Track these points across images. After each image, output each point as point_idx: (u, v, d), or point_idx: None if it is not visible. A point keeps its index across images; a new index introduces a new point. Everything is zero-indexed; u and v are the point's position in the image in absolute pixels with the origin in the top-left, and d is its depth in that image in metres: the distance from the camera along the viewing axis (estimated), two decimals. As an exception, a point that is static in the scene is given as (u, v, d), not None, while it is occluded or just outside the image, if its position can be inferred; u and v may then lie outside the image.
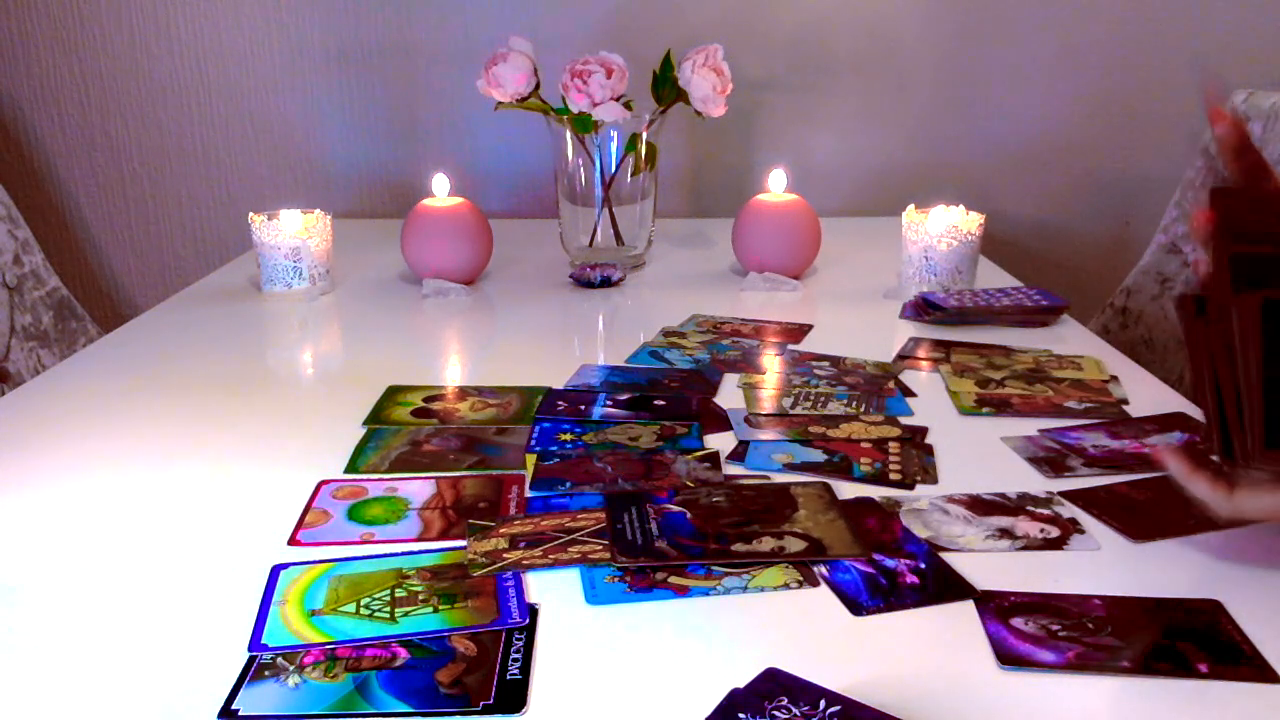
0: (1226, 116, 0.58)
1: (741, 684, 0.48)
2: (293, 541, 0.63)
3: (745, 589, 0.57)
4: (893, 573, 0.59)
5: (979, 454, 0.75)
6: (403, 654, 0.52)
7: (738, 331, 1.04)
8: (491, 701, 0.48)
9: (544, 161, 1.48)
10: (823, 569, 0.59)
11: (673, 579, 0.58)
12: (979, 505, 0.67)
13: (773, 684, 0.48)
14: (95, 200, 1.58)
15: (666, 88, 1.20)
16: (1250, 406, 0.53)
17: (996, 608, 0.55)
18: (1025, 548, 0.62)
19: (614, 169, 1.23)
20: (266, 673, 0.50)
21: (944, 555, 0.61)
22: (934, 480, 0.71)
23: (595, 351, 1.01)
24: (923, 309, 1.06)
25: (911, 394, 0.87)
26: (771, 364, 0.94)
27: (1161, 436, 0.77)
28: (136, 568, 0.61)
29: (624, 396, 0.86)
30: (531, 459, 0.74)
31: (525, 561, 0.60)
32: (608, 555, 0.60)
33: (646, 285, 1.22)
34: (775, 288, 1.18)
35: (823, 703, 0.46)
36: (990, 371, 0.91)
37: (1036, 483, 0.70)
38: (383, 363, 0.96)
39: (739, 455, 0.74)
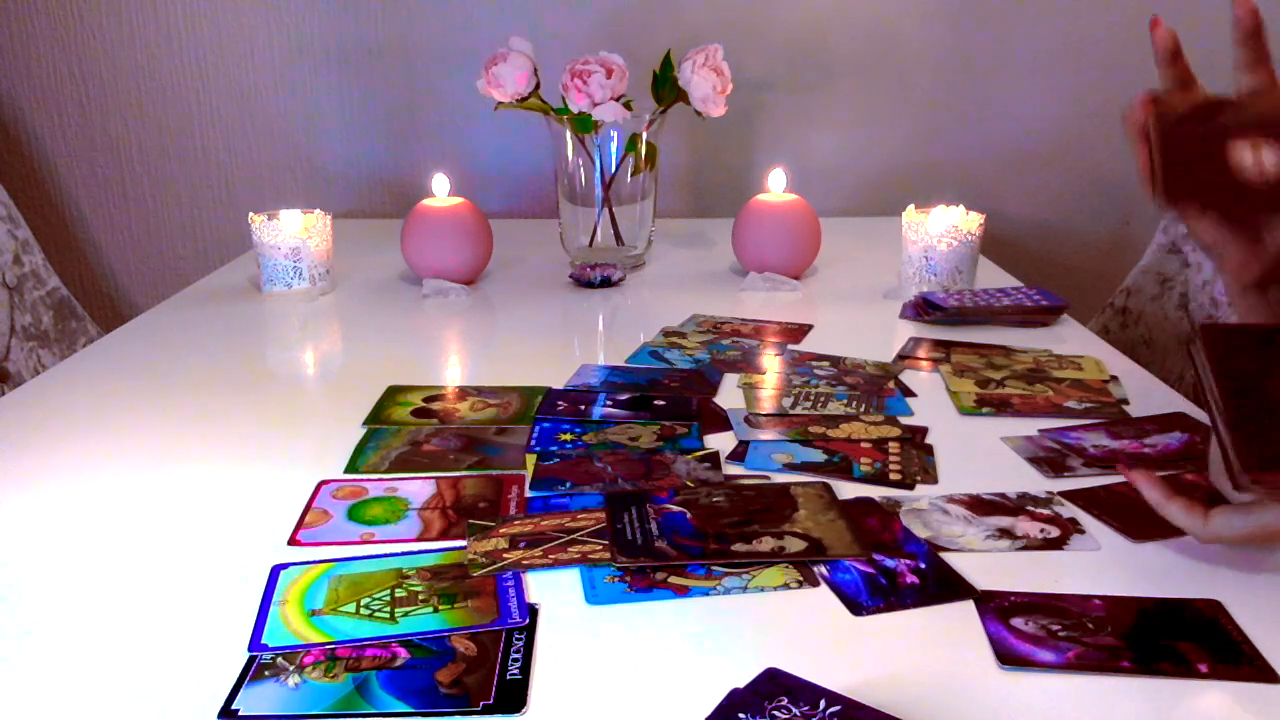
0: (1165, 30, 0.63)
1: (741, 684, 0.48)
2: (293, 541, 0.63)
3: (745, 589, 0.57)
4: (893, 573, 0.59)
5: (979, 454, 0.75)
6: (403, 654, 0.52)
7: (738, 331, 1.04)
8: (491, 701, 0.48)
9: (544, 161, 1.48)
10: (823, 569, 0.59)
11: (673, 579, 0.58)
12: (979, 505, 0.67)
13: (773, 684, 0.48)
14: (95, 200, 1.58)
15: (666, 88, 1.20)
16: (1223, 432, 0.54)
17: (996, 608, 0.55)
18: (1025, 548, 0.62)
19: (614, 169, 1.23)
20: (266, 673, 0.50)
21: (944, 555, 0.61)
22: (934, 480, 0.71)
23: (595, 351, 1.01)
24: (923, 309, 1.06)
25: (911, 394, 0.87)
26: (771, 364, 0.94)
27: (1161, 436, 0.77)
28: (136, 568, 0.61)
29: (624, 396, 0.86)
30: (531, 459, 0.74)
31: (525, 561, 0.60)
32: (608, 555, 0.60)
33: (646, 285, 1.22)
34: (775, 288, 1.18)
35: (823, 703, 0.46)
36: (990, 371, 0.91)
37: (1036, 483, 0.70)
38: (383, 363, 0.96)
39: (739, 455, 0.74)
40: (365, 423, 0.81)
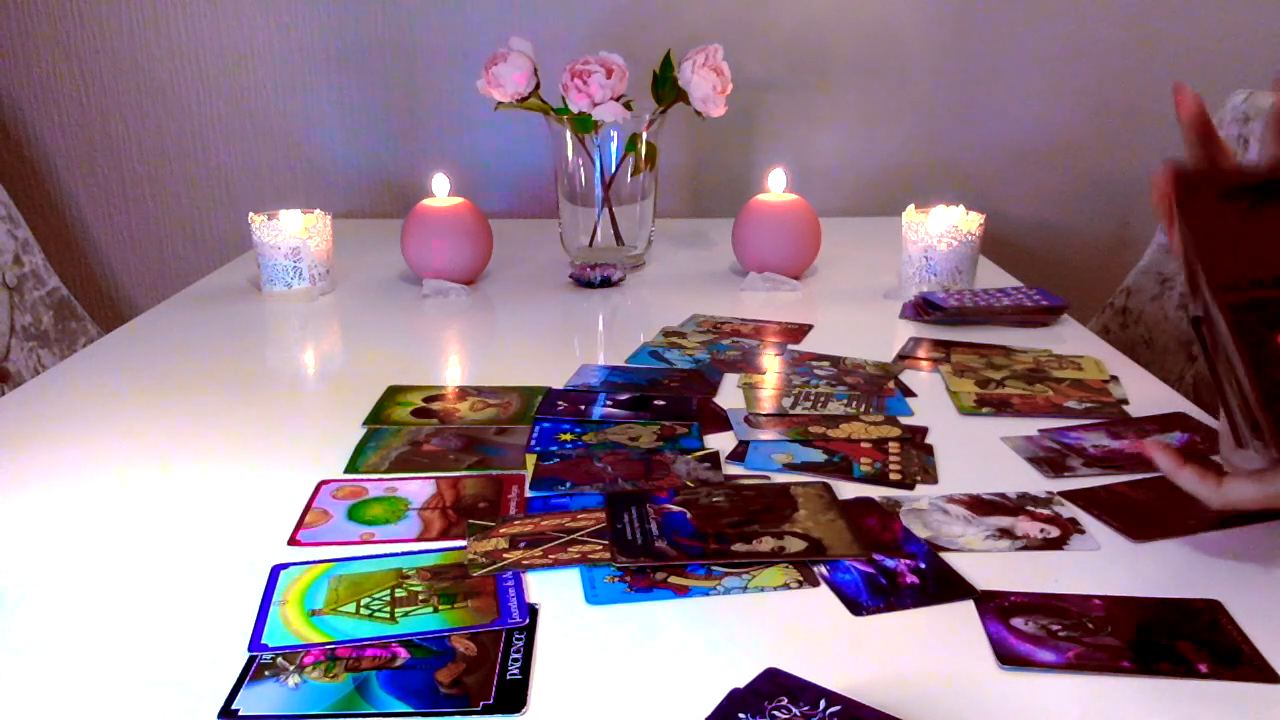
0: (1190, 97, 0.58)
1: (741, 684, 0.48)
2: (293, 541, 0.63)
3: (745, 589, 0.57)
4: (893, 573, 0.59)
5: (979, 454, 0.75)
6: (403, 654, 0.52)
7: (738, 331, 1.04)
8: (491, 701, 0.48)
9: (544, 161, 1.48)
10: (823, 569, 0.59)
11: (673, 579, 0.58)
12: (979, 505, 0.67)
13: (773, 684, 0.48)
14: (95, 200, 1.58)
15: (666, 88, 1.20)
16: (1243, 399, 0.54)
17: (996, 608, 0.55)
18: (1025, 548, 0.62)
19: (614, 169, 1.23)
20: (266, 673, 0.50)
21: (944, 555, 0.61)
22: (934, 480, 0.71)
23: (595, 351, 1.01)
24: (923, 309, 1.06)
25: (911, 394, 0.87)
26: (771, 364, 0.94)
27: (1161, 436, 0.77)
28: (136, 568, 0.61)
29: (624, 396, 0.86)
30: (531, 459, 0.74)
31: (525, 561, 0.60)
32: (608, 555, 0.60)
33: (646, 285, 1.22)
34: (775, 288, 1.18)
35: (823, 703, 0.46)
36: (990, 371, 0.91)
37: (1036, 483, 0.70)
38: (383, 363, 0.96)
39: (739, 455, 0.74)
40: (365, 423, 0.81)
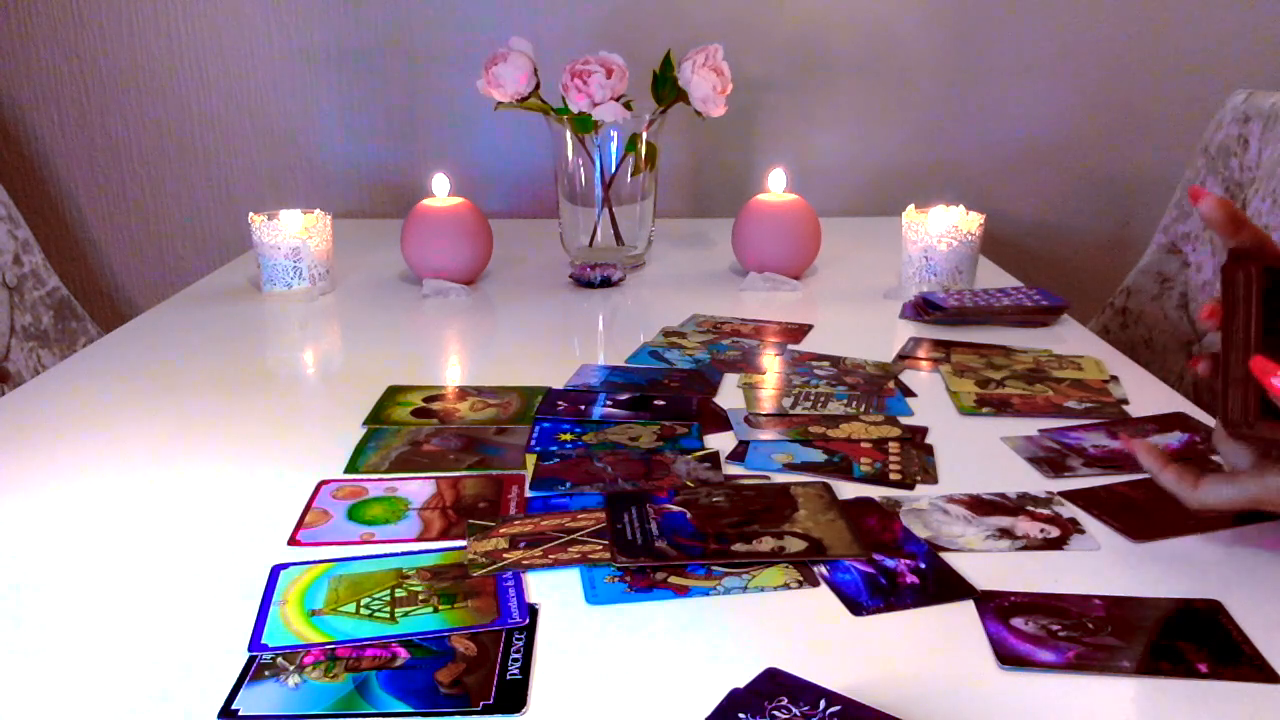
0: (1208, 194, 0.59)
1: (741, 684, 0.48)
2: (293, 541, 0.63)
3: (745, 589, 0.57)
4: (893, 573, 0.59)
5: (979, 454, 0.75)
6: (403, 654, 0.52)
7: (738, 331, 1.04)
8: (491, 701, 0.48)
9: (544, 161, 1.48)
10: (823, 569, 0.59)
11: (673, 579, 0.58)
12: (979, 505, 0.67)
13: (773, 684, 0.48)
14: (95, 200, 1.58)
15: (666, 88, 1.20)
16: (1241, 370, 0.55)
17: (996, 608, 0.55)
18: (1025, 548, 0.62)
19: (614, 169, 1.23)
20: (266, 673, 0.50)
21: (944, 555, 0.61)
22: (934, 480, 0.71)
23: (595, 351, 1.01)
24: (923, 309, 1.06)
25: (911, 394, 0.87)
26: (771, 364, 0.94)
27: (1161, 436, 0.77)
28: (136, 567, 0.61)
29: (624, 396, 0.86)
30: (531, 459, 0.74)
31: (525, 561, 0.60)
32: (608, 555, 0.60)
33: (646, 285, 1.22)
34: (775, 288, 1.18)
35: (823, 703, 0.46)
36: (990, 371, 0.91)
37: (1036, 483, 0.70)
38: (383, 363, 0.96)
39: (739, 455, 0.74)
40: (365, 423, 0.81)
